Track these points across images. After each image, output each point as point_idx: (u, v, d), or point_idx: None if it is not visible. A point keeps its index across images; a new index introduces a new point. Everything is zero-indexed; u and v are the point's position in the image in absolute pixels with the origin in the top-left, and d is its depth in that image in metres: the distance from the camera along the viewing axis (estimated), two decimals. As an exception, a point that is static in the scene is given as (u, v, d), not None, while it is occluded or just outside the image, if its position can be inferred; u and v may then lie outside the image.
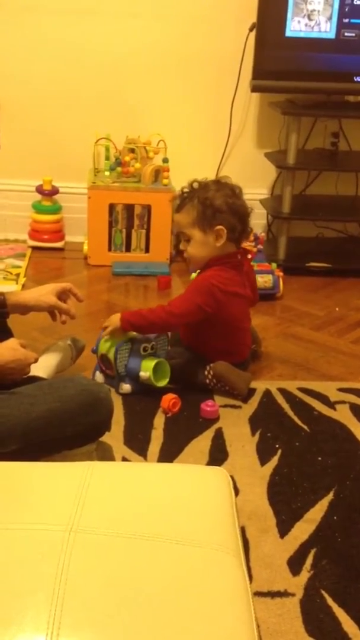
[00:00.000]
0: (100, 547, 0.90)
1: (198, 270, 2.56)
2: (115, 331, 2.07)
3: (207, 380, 2.11)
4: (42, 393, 1.51)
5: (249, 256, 2.22)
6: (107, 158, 3.15)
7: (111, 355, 2.06)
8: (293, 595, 1.39)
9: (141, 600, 0.83)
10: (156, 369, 2.05)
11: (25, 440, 1.44)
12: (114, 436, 1.79)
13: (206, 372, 2.11)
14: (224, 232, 2.05)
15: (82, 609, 0.81)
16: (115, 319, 2.08)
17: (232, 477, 1.15)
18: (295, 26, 2.95)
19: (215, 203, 2.04)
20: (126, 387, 2.08)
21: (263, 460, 1.82)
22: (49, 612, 0.79)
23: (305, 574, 1.45)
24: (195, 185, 2.12)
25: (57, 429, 1.46)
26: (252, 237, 2.81)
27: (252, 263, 2.33)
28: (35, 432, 1.44)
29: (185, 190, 2.13)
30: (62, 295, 1.95)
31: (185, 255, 2.17)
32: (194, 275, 2.58)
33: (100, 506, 0.97)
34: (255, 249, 2.86)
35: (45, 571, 0.85)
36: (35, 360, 1.66)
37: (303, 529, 1.58)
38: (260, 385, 2.16)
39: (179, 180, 3.03)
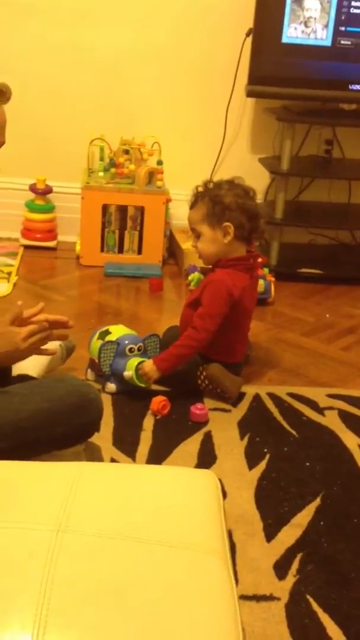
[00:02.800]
0: (87, 548, 0.90)
1: (196, 273, 2.57)
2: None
3: (199, 381, 2.12)
4: (31, 393, 1.51)
5: (260, 260, 2.24)
6: (102, 159, 3.15)
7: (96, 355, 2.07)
8: (278, 599, 1.40)
9: (127, 601, 0.83)
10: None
11: (14, 439, 1.43)
12: (103, 437, 1.79)
13: (199, 373, 2.12)
14: (231, 229, 2.08)
15: (68, 609, 0.81)
16: (151, 371, 2.05)
17: (220, 480, 1.15)
18: (292, 33, 2.96)
19: (224, 200, 2.08)
20: (111, 387, 2.08)
21: (251, 465, 1.82)
22: (35, 613, 0.79)
23: (290, 579, 1.45)
24: (210, 184, 2.17)
25: (47, 429, 1.46)
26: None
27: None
28: (24, 432, 1.44)
29: (200, 188, 2.17)
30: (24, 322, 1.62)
31: (196, 251, 2.20)
32: (192, 276, 2.57)
33: (88, 507, 0.97)
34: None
35: (32, 571, 0.84)
36: (31, 332, 1.53)
37: (290, 534, 1.58)
38: (250, 390, 2.17)
39: (173, 182, 3.05)
